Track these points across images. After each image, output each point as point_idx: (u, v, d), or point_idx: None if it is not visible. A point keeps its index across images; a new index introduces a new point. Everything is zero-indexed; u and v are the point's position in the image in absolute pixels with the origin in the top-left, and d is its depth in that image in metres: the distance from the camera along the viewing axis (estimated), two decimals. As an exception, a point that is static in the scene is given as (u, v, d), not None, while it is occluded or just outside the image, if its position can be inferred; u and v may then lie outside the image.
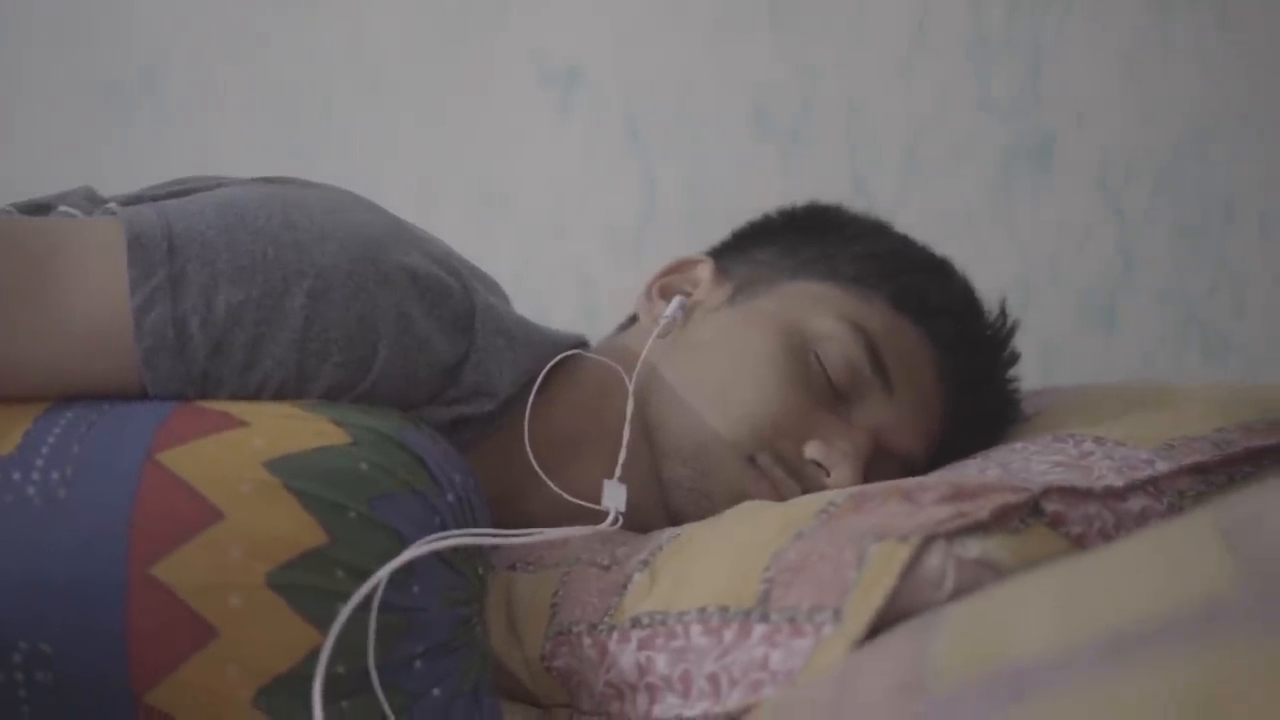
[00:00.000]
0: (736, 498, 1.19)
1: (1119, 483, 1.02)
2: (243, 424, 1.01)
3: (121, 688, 0.94)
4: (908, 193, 2.02)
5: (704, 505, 1.22)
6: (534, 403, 1.22)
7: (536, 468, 1.19)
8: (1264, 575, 0.60)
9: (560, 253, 2.07)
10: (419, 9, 2.11)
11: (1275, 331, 2.03)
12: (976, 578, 0.89)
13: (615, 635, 1.02)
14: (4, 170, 2.01)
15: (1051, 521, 0.97)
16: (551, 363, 1.24)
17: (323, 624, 0.95)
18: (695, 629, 0.97)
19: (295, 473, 0.98)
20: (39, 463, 0.98)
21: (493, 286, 1.29)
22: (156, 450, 0.98)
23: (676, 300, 1.31)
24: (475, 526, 1.05)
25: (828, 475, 1.21)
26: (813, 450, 1.22)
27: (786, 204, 1.42)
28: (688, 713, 0.96)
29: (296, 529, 0.96)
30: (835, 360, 1.24)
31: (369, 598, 0.96)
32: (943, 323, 1.28)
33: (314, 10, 2.12)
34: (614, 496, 1.18)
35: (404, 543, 0.99)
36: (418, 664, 0.99)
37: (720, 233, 1.44)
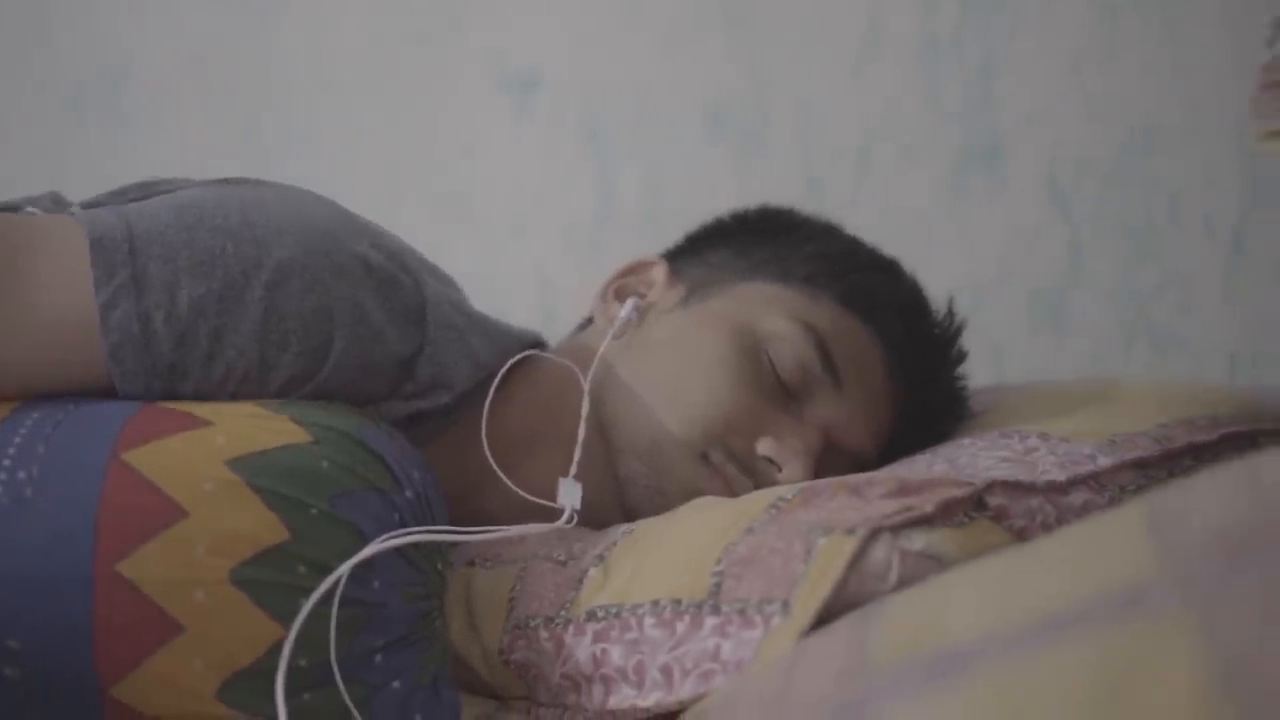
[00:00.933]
0: (690, 494, 1.21)
1: (1061, 477, 1.05)
2: (206, 424, 1.03)
3: (89, 682, 0.95)
4: (860, 194, 2.04)
5: (658, 501, 1.24)
6: (491, 401, 1.24)
7: (494, 465, 1.21)
8: (1184, 563, 0.63)
9: (519, 253, 2.08)
10: (379, 13, 2.12)
11: (1221, 329, 2.06)
12: (921, 569, 0.92)
13: (571, 628, 1.04)
14: None
15: (995, 515, 1.01)
16: (511, 361, 1.26)
17: (285, 619, 0.96)
18: (649, 621, 0.99)
19: (257, 471, 1.00)
20: (5, 463, 0.99)
21: (447, 280, 1.30)
22: (121, 449, 1.00)
23: (631, 302, 1.33)
24: (434, 523, 1.07)
25: (779, 471, 1.23)
26: (764, 447, 1.24)
27: (740, 206, 1.43)
28: (642, 703, 0.98)
29: (259, 526, 0.98)
30: (786, 359, 1.26)
31: (330, 593, 0.98)
32: (891, 321, 1.30)
33: (276, 15, 2.13)
34: (569, 494, 1.20)
35: (364, 539, 1.01)
36: (378, 657, 1.01)
37: (677, 233, 1.45)
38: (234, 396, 1.10)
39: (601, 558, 1.10)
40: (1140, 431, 1.14)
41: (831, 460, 1.27)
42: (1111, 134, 2.05)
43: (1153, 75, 2.03)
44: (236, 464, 1.00)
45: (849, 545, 0.93)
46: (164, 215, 1.11)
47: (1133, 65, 2.03)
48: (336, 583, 0.98)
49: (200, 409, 1.05)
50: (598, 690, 1.01)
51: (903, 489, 1.00)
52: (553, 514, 1.20)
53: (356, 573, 0.99)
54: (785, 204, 1.44)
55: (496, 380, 1.24)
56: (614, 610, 1.03)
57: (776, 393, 1.26)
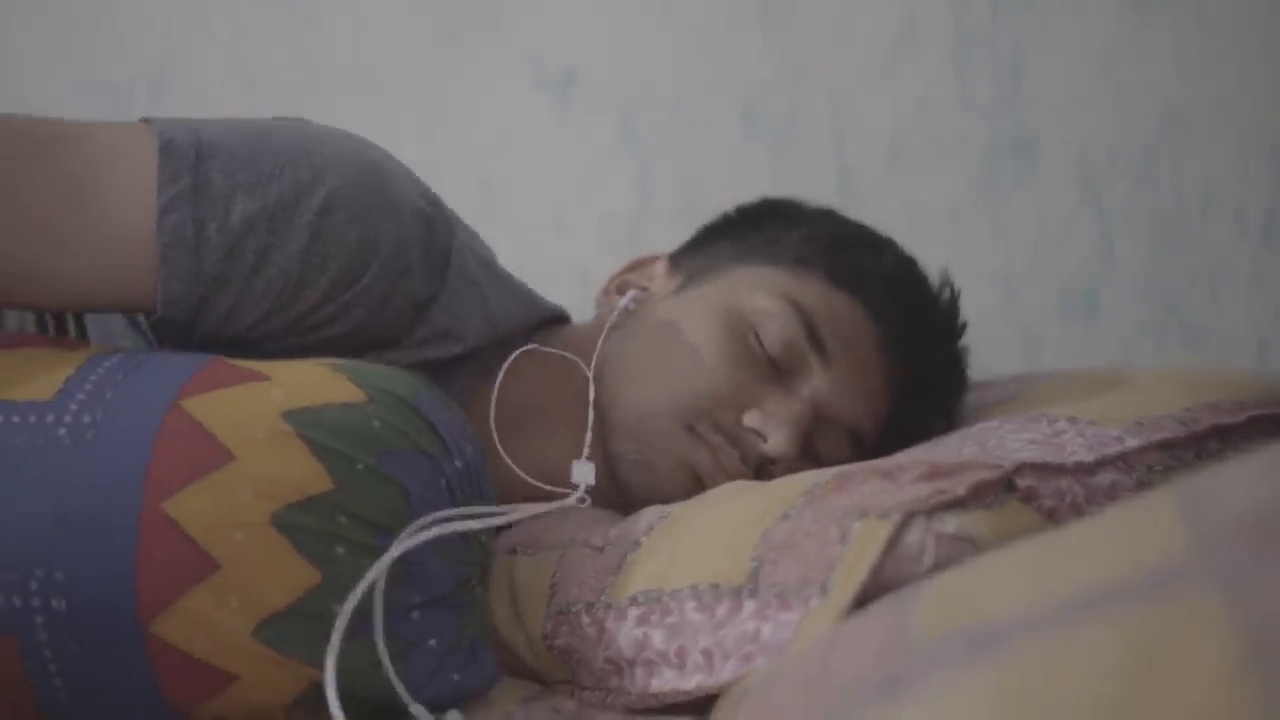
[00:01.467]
0: (678, 466, 1.26)
1: (1089, 458, 1.06)
2: (265, 378, 1.05)
3: (129, 616, 0.97)
4: (893, 188, 2.05)
5: (646, 476, 1.28)
6: (490, 369, 1.30)
7: (497, 443, 1.25)
8: (1214, 546, 0.65)
9: (558, 249, 2.10)
10: (417, 13, 2.13)
11: (1251, 319, 2.06)
12: (955, 552, 0.93)
13: (612, 613, 1.06)
14: None
15: (1025, 496, 1.01)
16: (519, 351, 1.31)
17: (322, 564, 0.98)
18: (689, 605, 1.01)
19: (309, 423, 1.02)
20: (73, 407, 1.02)
21: (479, 240, 1.35)
22: (181, 398, 1.03)
23: (630, 293, 1.38)
24: (479, 497, 1.09)
25: (765, 441, 1.26)
26: (750, 418, 1.27)
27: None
28: (684, 685, 1.00)
29: (305, 474, 1.00)
30: (772, 335, 1.28)
31: (373, 550, 1.00)
32: (879, 294, 1.32)
33: (316, 14, 2.15)
34: (583, 474, 1.26)
35: (409, 498, 1.02)
36: (415, 614, 1.03)
37: None
38: (266, 312, 1.15)
39: (638, 543, 1.12)
40: (1167, 414, 1.15)
41: (826, 435, 1.30)
42: (1142, 126, 2.05)
43: (1183, 67, 2.03)
44: (290, 416, 1.02)
45: (884, 529, 0.94)
46: (230, 132, 1.15)
47: (1163, 58, 2.04)
48: (387, 556, 0.99)
49: (261, 365, 1.08)
50: (640, 674, 1.02)
51: (934, 473, 1.01)
52: (549, 493, 1.25)
53: (400, 530, 1.01)
54: (791, 196, 1.47)
55: (504, 368, 1.30)
56: (654, 595, 1.04)
57: (765, 369, 1.29)
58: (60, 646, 0.98)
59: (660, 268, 1.42)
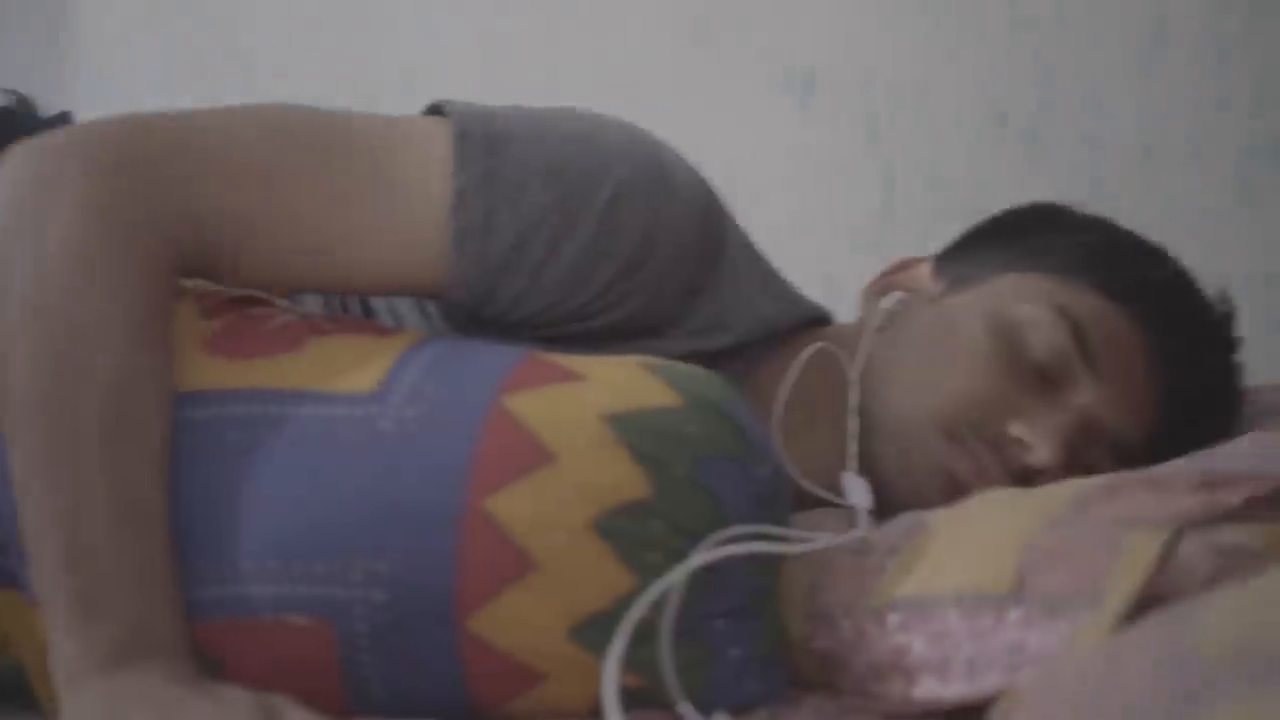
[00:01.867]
0: (936, 471, 1.24)
1: None
2: (583, 378, 1.07)
3: (446, 612, 0.99)
4: (1146, 192, 2.01)
5: (905, 480, 1.26)
6: (764, 371, 1.31)
7: (776, 439, 1.24)
8: None
9: (803, 253, 2.08)
10: (660, 16, 2.15)
11: None
12: (1231, 565, 0.92)
13: (873, 619, 1.05)
14: None
15: None
16: (812, 348, 1.30)
17: (639, 571, 0.99)
18: (952, 613, 1.00)
19: (629, 428, 1.03)
20: (395, 400, 1.05)
21: (742, 229, 1.36)
22: (502, 394, 1.04)
23: (894, 296, 1.37)
24: (782, 505, 1.09)
25: (1029, 453, 1.23)
26: (1015, 428, 1.24)
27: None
28: (945, 694, 0.98)
29: (624, 480, 1.01)
30: (1041, 345, 1.26)
31: (681, 555, 1.00)
32: (1152, 305, 1.29)
33: (557, 19, 2.18)
34: (856, 491, 1.24)
35: (722, 506, 1.03)
36: (719, 623, 1.03)
37: (959, 231, 1.46)
38: (551, 301, 1.17)
39: (898, 548, 1.11)
40: None
41: (1091, 447, 1.26)
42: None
43: None
44: (609, 419, 1.03)
45: (1158, 540, 0.92)
46: (520, 119, 1.18)
47: None
48: (685, 563, 0.99)
49: (578, 363, 1.09)
50: (900, 681, 1.01)
51: (1207, 483, 0.99)
52: (823, 499, 1.26)
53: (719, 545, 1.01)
54: (1061, 201, 1.43)
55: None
56: (916, 601, 1.03)
57: (1031, 378, 1.26)
58: (376, 637, 1.00)
59: (925, 271, 1.40)
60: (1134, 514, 0.97)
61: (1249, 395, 1.38)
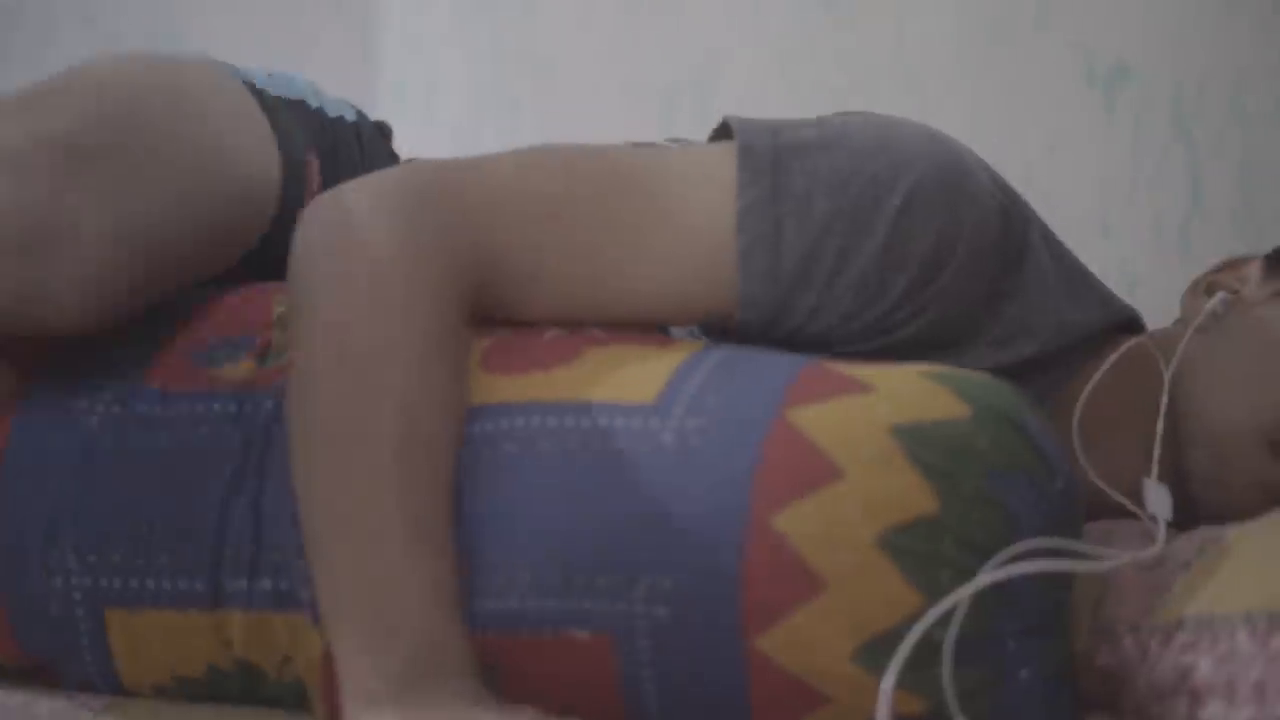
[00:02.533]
0: (1255, 487, 1.19)
1: None
2: (869, 389, 1.05)
3: (733, 630, 0.99)
4: None
5: (1220, 496, 1.21)
6: (1071, 383, 1.27)
7: (1078, 451, 1.21)
8: None
9: (1106, 251, 2.04)
10: (960, 9, 2.12)
11: None
12: None
13: (1158, 637, 1.02)
14: None
15: None
16: (1122, 348, 1.26)
17: (926, 590, 0.97)
18: (1241, 634, 0.96)
19: (917, 441, 1.01)
20: (677, 411, 1.05)
21: (1046, 227, 1.32)
22: (786, 407, 1.03)
23: (1219, 295, 1.31)
24: (1075, 520, 1.07)
25: None
26: None
27: None
28: (1232, 718, 0.94)
29: (912, 495, 0.99)
30: None
31: (974, 571, 0.98)
32: None
33: (855, 15, 2.17)
34: (1158, 500, 1.18)
35: (1014, 522, 1.01)
36: (1010, 643, 1.01)
37: (1270, 232, 1.41)
38: (846, 314, 1.14)
39: (1189, 564, 1.08)
40: None
41: None
42: None
43: None
44: (897, 432, 1.02)
45: None
46: (807, 130, 1.17)
47: None
48: (974, 578, 0.97)
49: (862, 372, 1.07)
50: (1184, 703, 0.98)
51: None
52: (1123, 507, 1.21)
53: (1007, 562, 0.99)
54: None
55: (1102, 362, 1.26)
56: (1204, 620, 1.00)
57: None
58: (658, 653, 1.01)
59: (1255, 269, 1.34)
60: None
61: None
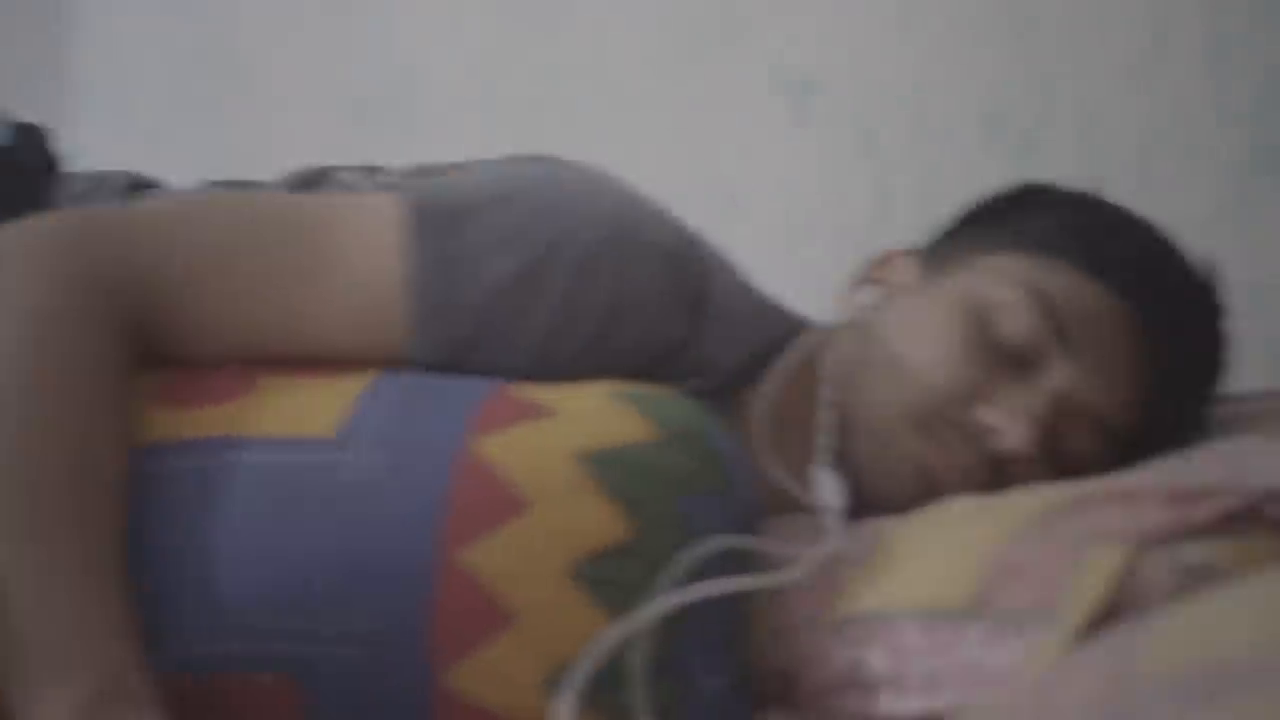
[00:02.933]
0: (917, 470, 1.21)
1: None
2: (552, 413, 1.05)
3: (422, 668, 0.97)
4: (1141, 200, 1.99)
5: (881, 478, 1.23)
6: (750, 393, 1.27)
7: (762, 449, 1.23)
8: None
9: (794, 259, 2.08)
10: (657, 24, 2.15)
11: None
12: (1194, 582, 0.90)
13: (830, 632, 1.04)
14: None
15: (1276, 525, 0.96)
16: (781, 374, 1.28)
17: (620, 616, 0.98)
18: (909, 628, 0.99)
19: (605, 467, 1.01)
20: (359, 445, 1.02)
21: (722, 260, 1.32)
22: (471, 437, 1.02)
23: (870, 289, 1.35)
24: (754, 530, 1.08)
25: (1000, 439, 1.20)
26: (985, 413, 1.21)
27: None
28: (901, 710, 0.98)
29: (602, 523, 1.00)
30: (1013, 327, 1.23)
31: (663, 595, 0.99)
32: (1128, 277, 1.25)
33: (555, 28, 2.18)
34: (828, 488, 1.21)
35: (701, 540, 1.02)
36: (697, 658, 1.02)
37: None
38: (523, 369, 1.13)
39: (858, 561, 1.10)
40: None
41: (1074, 429, 1.23)
42: None
43: None
44: (584, 458, 1.02)
45: (1119, 557, 0.92)
46: (477, 189, 1.15)
47: None
48: (668, 594, 0.99)
49: (546, 395, 1.07)
50: (856, 696, 1.01)
51: (1176, 497, 0.97)
52: (804, 505, 1.22)
53: (690, 572, 1.00)
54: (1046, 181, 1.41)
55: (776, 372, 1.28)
56: (874, 615, 1.03)
57: (1005, 362, 1.23)
58: (347, 695, 0.99)
59: (903, 261, 1.38)
60: (1099, 529, 0.96)
61: (1233, 402, 1.37)
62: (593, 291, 1.13)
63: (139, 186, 1.35)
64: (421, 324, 1.10)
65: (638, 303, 1.15)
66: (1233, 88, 2.00)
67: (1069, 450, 1.21)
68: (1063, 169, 2.01)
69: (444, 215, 1.12)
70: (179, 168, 2.10)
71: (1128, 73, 2.03)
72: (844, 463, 1.25)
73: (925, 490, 1.20)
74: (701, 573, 1.01)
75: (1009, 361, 1.23)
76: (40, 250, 1.06)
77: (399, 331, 1.11)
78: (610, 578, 0.99)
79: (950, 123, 2.07)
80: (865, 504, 1.22)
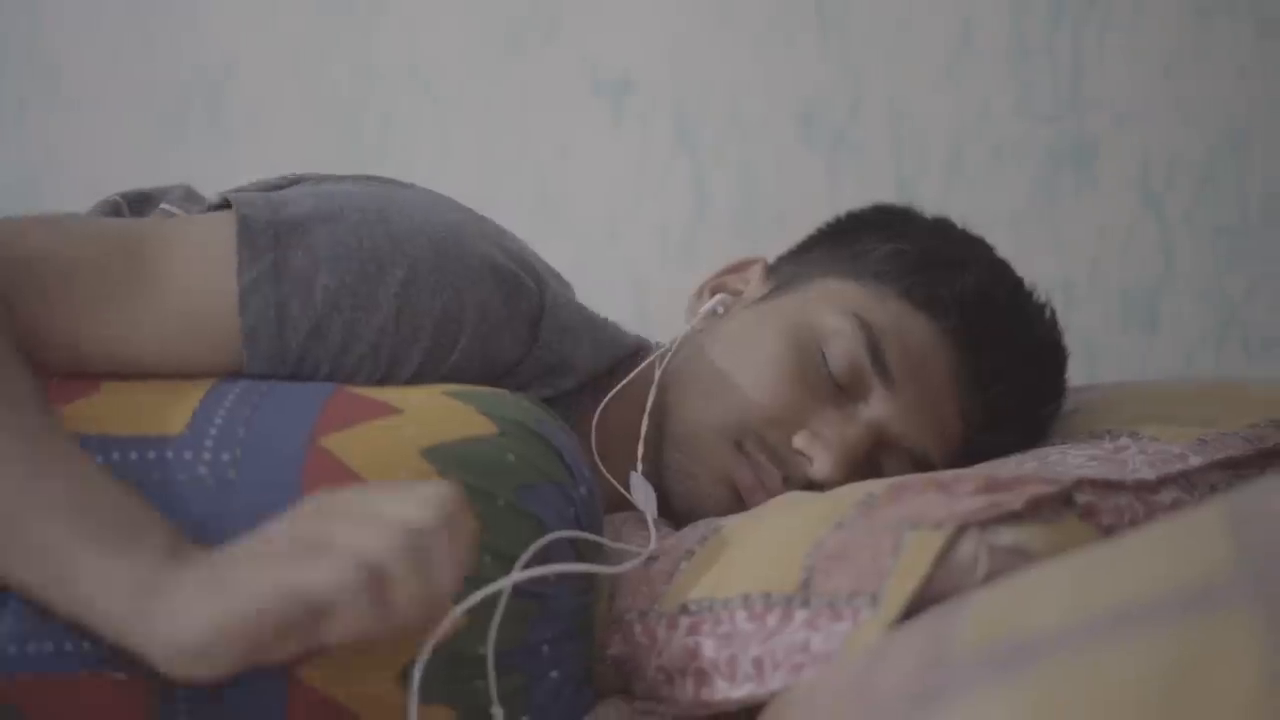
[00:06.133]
0: (720, 480, 1.24)
1: (1151, 476, 1.05)
2: (396, 411, 1.05)
3: (278, 665, 0.95)
4: (952, 196, 2.04)
5: (689, 485, 1.26)
6: (591, 401, 1.29)
7: (594, 453, 1.25)
8: (1261, 561, 0.64)
9: (613, 255, 2.10)
10: (474, 19, 2.15)
11: (1314, 331, 2.05)
12: (1009, 564, 0.93)
13: (664, 622, 1.06)
14: (73, 180, 2.06)
15: (1084, 513, 1.00)
16: (610, 395, 1.30)
17: (469, 609, 0.97)
18: (740, 614, 1.01)
19: (448, 461, 1.02)
20: (208, 443, 1.02)
21: (562, 281, 1.34)
22: (319, 434, 1.03)
23: (717, 297, 1.36)
24: (598, 522, 1.10)
25: (811, 464, 1.23)
26: (799, 440, 1.24)
27: (834, 208, 1.44)
28: (734, 695, 1.00)
29: None
30: (837, 355, 1.25)
31: (504, 587, 0.99)
32: (954, 317, 1.26)
33: (372, 27, 2.17)
34: (643, 494, 1.24)
35: (545, 531, 1.03)
36: (545, 648, 1.03)
37: (769, 234, 1.47)
38: (366, 379, 1.12)
39: (691, 552, 1.12)
40: (1231, 431, 1.14)
41: (889, 459, 1.26)
42: (1203, 135, 2.04)
43: (1245, 77, 2.02)
44: (428, 453, 1.02)
45: (937, 540, 0.94)
46: (306, 204, 1.14)
47: (1225, 66, 2.02)
48: (509, 577, 0.99)
49: (388, 395, 1.08)
50: (691, 683, 1.02)
51: (991, 486, 1.00)
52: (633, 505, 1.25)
53: (533, 565, 1.01)
54: (904, 204, 1.43)
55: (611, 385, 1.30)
56: (706, 604, 1.04)
57: (826, 388, 1.25)
58: (199, 694, 0.97)
59: (756, 272, 1.39)
60: (917, 514, 0.99)
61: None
62: (423, 305, 1.13)
63: None
64: (251, 339, 1.09)
65: (471, 319, 1.15)
66: (1035, 87, 2.05)
67: (886, 475, 1.22)
68: (875, 165, 2.07)
69: (274, 230, 1.11)
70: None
71: (935, 70, 2.07)
72: (658, 471, 1.28)
73: (731, 505, 1.23)
74: (545, 562, 1.02)
75: (831, 389, 1.25)
76: None
77: (233, 346, 1.10)
78: None
79: (765, 120, 2.09)
80: (675, 512, 1.26)
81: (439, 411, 1.07)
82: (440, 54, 2.16)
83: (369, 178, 1.27)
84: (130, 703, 0.98)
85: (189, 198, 1.30)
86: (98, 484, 0.94)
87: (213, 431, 1.03)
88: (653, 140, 2.12)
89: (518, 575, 1.00)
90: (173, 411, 1.04)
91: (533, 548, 1.02)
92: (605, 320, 1.36)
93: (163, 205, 1.28)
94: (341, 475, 1.01)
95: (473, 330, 1.16)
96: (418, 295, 1.13)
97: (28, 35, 2.17)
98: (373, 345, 1.12)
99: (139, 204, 1.31)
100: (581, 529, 1.07)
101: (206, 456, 1.01)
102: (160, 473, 1.01)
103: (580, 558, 1.06)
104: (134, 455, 1.01)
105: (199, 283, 1.09)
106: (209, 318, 1.09)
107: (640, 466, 1.26)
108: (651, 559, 1.15)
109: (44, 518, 0.91)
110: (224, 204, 1.19)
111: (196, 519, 0.97)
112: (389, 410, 1.06)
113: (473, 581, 0.98)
